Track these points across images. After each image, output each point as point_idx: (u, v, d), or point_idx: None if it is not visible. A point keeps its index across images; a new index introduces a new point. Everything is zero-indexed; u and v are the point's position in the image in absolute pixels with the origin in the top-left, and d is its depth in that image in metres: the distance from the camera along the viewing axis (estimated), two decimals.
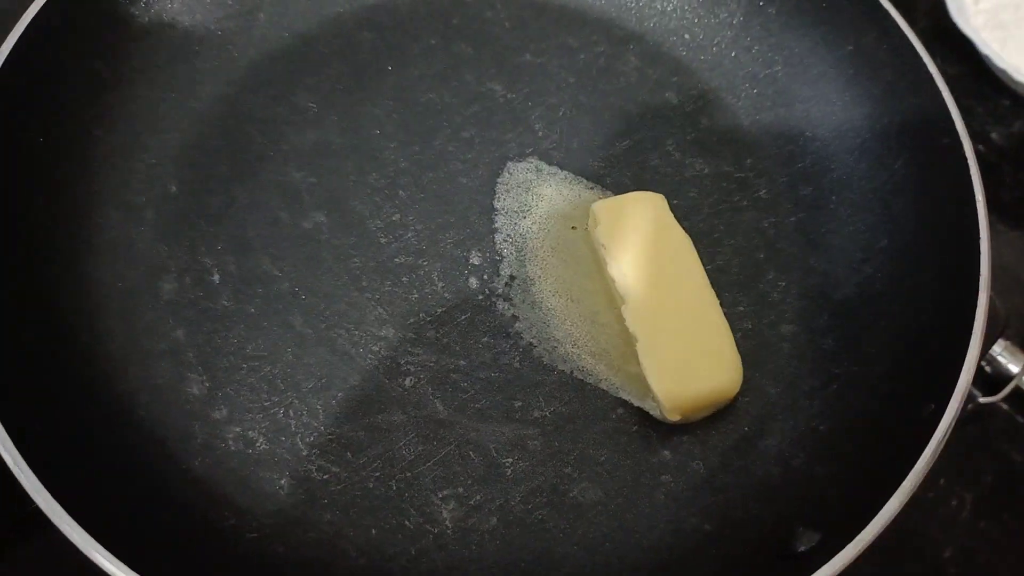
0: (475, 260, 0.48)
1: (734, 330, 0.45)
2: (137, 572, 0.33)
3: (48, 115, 0.46)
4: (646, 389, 0.43)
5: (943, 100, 0.44)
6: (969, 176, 0.43)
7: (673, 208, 0.48)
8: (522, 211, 0.49)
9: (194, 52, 0.51)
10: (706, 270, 0.47)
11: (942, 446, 0.37)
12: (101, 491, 0.38)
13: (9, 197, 0.43)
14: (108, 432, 0.40)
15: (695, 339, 0.44)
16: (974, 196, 0.43)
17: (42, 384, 0.39)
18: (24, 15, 0.45)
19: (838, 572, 0.35)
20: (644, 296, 0.44)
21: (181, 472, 0.41)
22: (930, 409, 0.38)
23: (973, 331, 0.39)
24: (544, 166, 0.51)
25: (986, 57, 0.59)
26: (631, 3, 0.56)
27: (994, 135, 0.62)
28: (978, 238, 0.42)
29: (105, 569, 0.34)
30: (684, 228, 0.47)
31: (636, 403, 0.44)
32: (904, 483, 0.36)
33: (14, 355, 0.39)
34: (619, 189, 0.50)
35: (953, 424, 0.37)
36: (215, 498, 0.41)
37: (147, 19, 0.50)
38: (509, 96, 0.52)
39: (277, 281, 0.46)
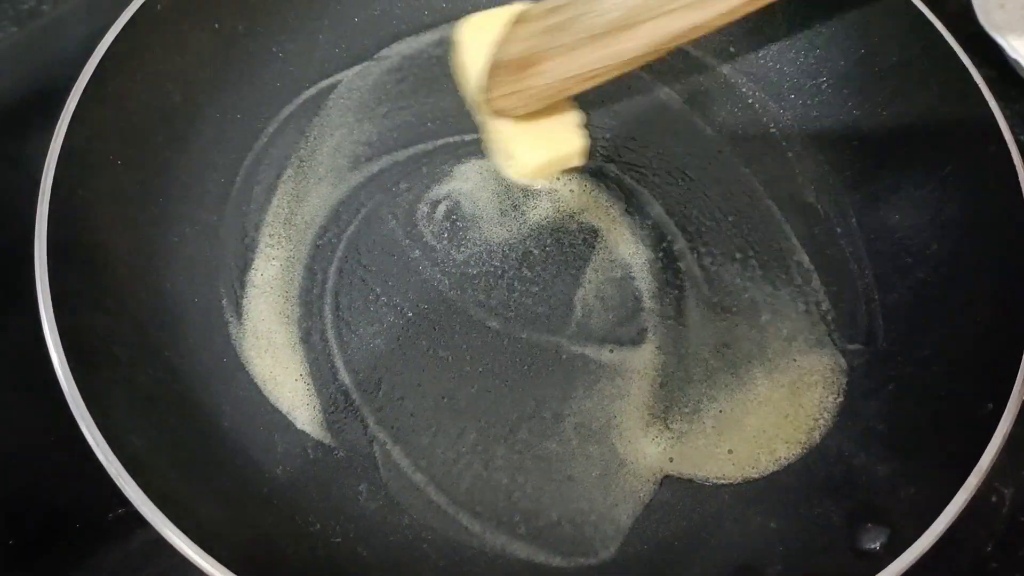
0: None
1: None
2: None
3: (125, 139, 0.47)
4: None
5: (990, 108, 0.46)
6: (1017, 181, 0.44)
7: (721, 212, 0.51)
8: None
9: (257, 74, 0.53)
10: (757, 276, 0.49)
11: (1004, 443, 0.38)
12: (197, 497, 0.39)
13: (94, 218, 0.45)
14: (198, 442, 0.42)
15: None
16: (1023, 200, 0.44)
17: (138, 399, 0.41)
18: (100, 43, 0.46)
19: (907, 568, 0.36)
20: None
21: (266, 480, 0.43)
22: (988, 408, 0.40)
23: None
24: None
25: (1014, 61, 0.60)
26: None
27: None
28: None
29: (204, 569, 0.35)
30: (734, 239, 0.50)
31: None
32: (969, 479, 0.38)
33: (113, 373, 0.41)
34: None
35: (1013, 422, 0.39)
36: (300, 504, 0.42)
37: (214, 44, 0.51)
38: None
39: (371, 294, 0.48)
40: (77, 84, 0.45)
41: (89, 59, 0.46)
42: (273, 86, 0.54)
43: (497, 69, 0.48)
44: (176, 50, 0.50)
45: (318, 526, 0.42)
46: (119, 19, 0.47)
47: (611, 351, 0.47)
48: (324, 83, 0.55)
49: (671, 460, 0.45)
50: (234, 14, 0.52)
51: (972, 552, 0.49)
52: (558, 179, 0.52)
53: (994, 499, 0.50)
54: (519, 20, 0.47)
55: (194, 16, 0.50)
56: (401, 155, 0.53)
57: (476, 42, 0.52)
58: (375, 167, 0.52)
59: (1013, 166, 0.45)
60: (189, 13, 0.50)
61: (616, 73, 0.44)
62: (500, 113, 0.50)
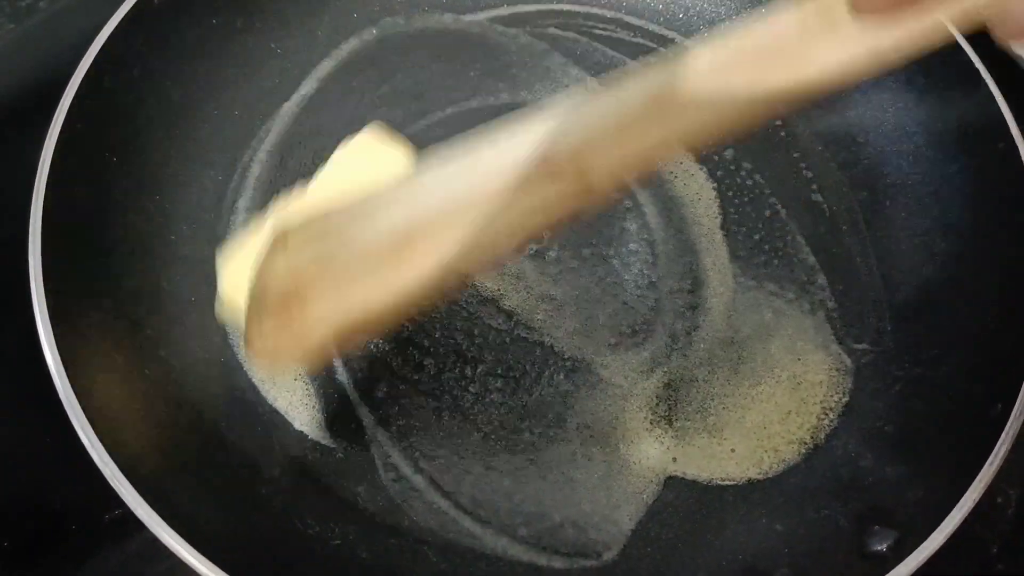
0: None
1: None
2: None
3: (121, 135, 0.47)
4: None
5: (998, 106, 0.45)
6: None
7: (728, 214, 0.50)
8: None
9: (255, 70, 0.53)
10: (761, 274, 0.49)
11: (1011, 443, 0.38)
12: (193, 499, 0.39)
13: (90, 216, 0.44)
14: (194, 443, 0.42)
15: None
16: None
17: (134, 399, 0.41)
18: (97, 38, 0.46)
19: (914, 570, 0.36)
20: None
21: (264, 481, 0.42)
22: (996, 409, 0.39)
23: None
24: None
25: (1018, 57, 0.59)
26: (680, 14, 0.57)
27: None
28: None
29: (200, 572, 0.35)
30: (737, 237, 0.49)
31: None
32: (977, 480, 0.37)
33: (108, 372, 0.40)
34: None
35: (1022, 422, 0.38)
36: (298, 506, 0.42)
37: (212, 40, 0.51)
38: None
39: None
40: (72, 80, 0.44)
41: (85, 55, 0.45)
42: (272, 82, 0.53)
43: (258, 307, 0.35)
44: (173, 46, 0.49)
45: (316, 528, 0.41)
46: (115, 14, 0.46)
47: (615, 351, 0.47)
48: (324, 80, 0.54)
49: (674, 460, 0.44)
50: (232, 10, 0.51)
51: (978, 554, 0.48)
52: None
53: (1000, 500, 0.50)
54: (279, 242, 0.35)
55: (191, 11, 0.50)
56: None
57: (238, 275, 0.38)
58: None
59: (1022, 164, 0.44)
60: (186, 8, 0.49)
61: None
62: (272, 361, 0.38)
